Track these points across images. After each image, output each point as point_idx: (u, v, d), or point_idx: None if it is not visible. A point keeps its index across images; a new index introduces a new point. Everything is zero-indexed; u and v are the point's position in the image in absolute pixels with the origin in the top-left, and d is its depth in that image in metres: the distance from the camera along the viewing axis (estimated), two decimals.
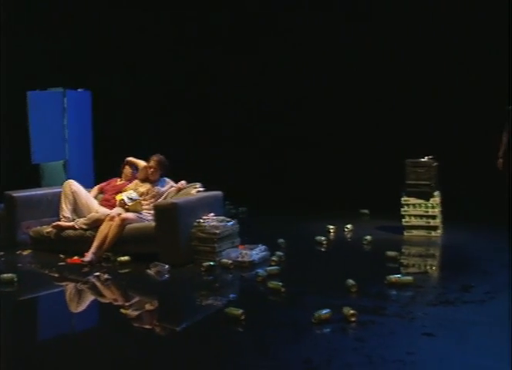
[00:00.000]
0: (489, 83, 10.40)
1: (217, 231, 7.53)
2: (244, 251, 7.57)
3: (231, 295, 6.69)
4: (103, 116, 11.80)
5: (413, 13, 11.16)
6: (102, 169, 10.48)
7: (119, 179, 8.82)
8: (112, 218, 7.83)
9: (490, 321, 5.33)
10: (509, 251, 7.89)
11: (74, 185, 8.48)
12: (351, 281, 6.27)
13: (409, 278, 6.52)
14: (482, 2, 10.57)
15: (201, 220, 7.64)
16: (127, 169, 8.76)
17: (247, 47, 12.57)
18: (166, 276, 7.11)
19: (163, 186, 8.41)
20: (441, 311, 5.63)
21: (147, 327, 5.71)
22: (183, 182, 8.45)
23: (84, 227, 8.06)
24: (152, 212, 7.86)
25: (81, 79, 11.79)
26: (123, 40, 12.73)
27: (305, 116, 12.28)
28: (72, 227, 8.12)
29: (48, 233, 8.23)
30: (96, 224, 7.98)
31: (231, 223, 7.88)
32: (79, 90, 11.49)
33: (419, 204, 9.03)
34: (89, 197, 8.52)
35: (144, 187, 8.39)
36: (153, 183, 8.42)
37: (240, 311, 5.41)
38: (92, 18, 12.64)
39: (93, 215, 8.13)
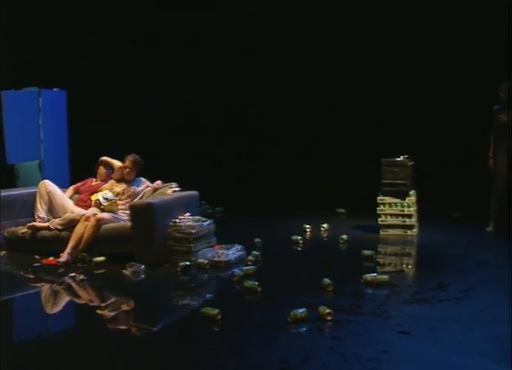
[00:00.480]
0: (468, 83, 10.44)
1: (193, 231, 7.51)
2: (221, 251, 7.57)
3: (207, 295, 6.68)
4: (79, 116, 11.73)
5: (394, 14, 11.20)
6: (78, 170, 10.42)
7: (94, 180, 8.77)
8: (87, 218, 7.79)
9: (465, 319, 5.36)
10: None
11: (49, 185, 8.42)
12: (327, 280, 6.29)
13: (385, 277, 6.55)
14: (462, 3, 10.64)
15: (177, 220, 7.63)
16: (101, 170, 8.69)
17: (219, 43, 12.55)
18: (142, 276, 7.10)
19: (138, 186, 8.38)
20: (416, 310, 5.66)
21: (123, 327, 5.71)
22: (158, 182, 8.43)
23: (59, 227, 8.00)
24: (128, 212, 7.84)
25: (56, 79, 11.71)
26: (98, 39, 12.66)
27: (282, 116, 12.27)
28: (48, 228, 8.06)
29: (23, 233, 8.16)
30: (71, 224, 7.94)
31: (207, 222, 7.87)
32: (54, 90, 11.40)
33: (395, 203, 9.07)
34: (64, 197, 8.46)
35: (120, 187, 8.35)
36: (129, 182, 8.39)
37: (216, 311, 5.41)
38: (66, 16, 12.57)
39: (68, 215, 8.08)
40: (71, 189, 8.81)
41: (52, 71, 12.14)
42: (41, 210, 8.25)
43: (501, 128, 8.64)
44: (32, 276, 7.30)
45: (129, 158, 8.39)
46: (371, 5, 11.32)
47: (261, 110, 12.46)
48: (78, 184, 8.85)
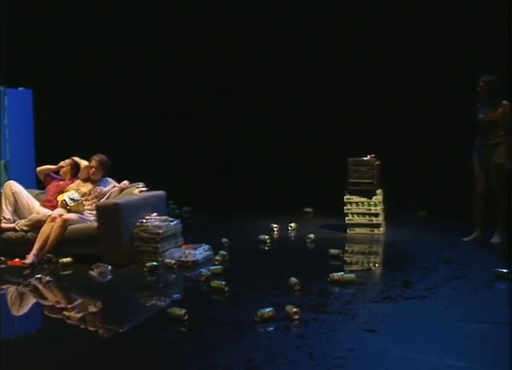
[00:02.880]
0: (436, 81, 10.55)
1: (160, 231, 7.51)
2: (188, 251, 7.57)
3: (174, 295, 6.65)
4: (45, 115, 11.65)
5: (357, 14, 11.26)
6: None
7: (60, 181, 8.70)
8: (53, 219, 7.74)
9: (430, 317, 5.41)
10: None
11: (14, 186, 8.33)
12: (294, 279, 6.31)
13: (352, 276, 6.58)
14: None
15: (144, 220, 7.61)
16: (65, 169, 8.63)
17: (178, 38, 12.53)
18: (109, 277, 7.08)
19: (105, 186, 8.35)
20: (383, 308, 5.69)
21: (90, 329, 5.66)
22: (125, 182, 8.41)
23: (25, 228, 7.93)
24: (94, 212, 7.80)
25: (22, 77, 11.61)
26: (64, 37, 12.57)
27: (249, 115, 12.27)
28: (13, 229, 7.97)
29: None
30: (37, 225, 7.87)
31: (174, 222, 7.87)
32: (20, 89, 11.31)
33: (362, 202, 9.13)
34: (30, 198, 8.38)
35: (86, 187, 8.32)
36: (95, 183, 8.36)
37: (183, 311, 5.41)
38: (29, 13, 12.46)
39: (34, 216, 8.01)
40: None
41: (18, 70, 12.02)
42: (6, 211, 8.15)
43: (478, 126, 8.22)
44: None
45: (96, 158, 8.36)
46: (335, 6, 11.38)
47: (229, 110, 12.44)
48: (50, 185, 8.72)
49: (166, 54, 12.61)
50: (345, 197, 9.19)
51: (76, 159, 8.64)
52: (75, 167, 8.61)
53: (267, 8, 11.84)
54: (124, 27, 12.64)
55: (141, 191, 8.23)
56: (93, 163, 8.36)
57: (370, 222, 9.14)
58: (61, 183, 8.61)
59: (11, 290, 6.88)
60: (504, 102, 8.05)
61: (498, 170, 8.07)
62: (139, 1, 12.61)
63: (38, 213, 8.05)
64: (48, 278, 7.07)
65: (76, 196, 8.12)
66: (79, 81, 12.63)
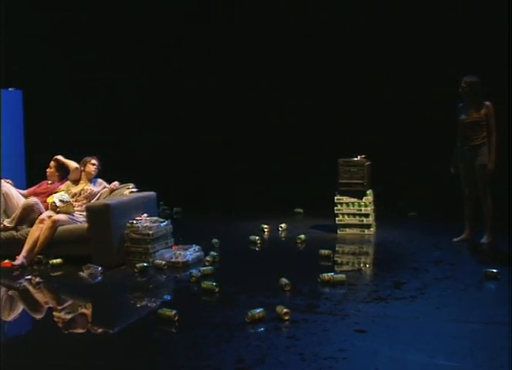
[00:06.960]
0: (425, 82, 10.56)
1: (150, 232, 7.50)
2: (178, 252, 7.57)
3: (165, 296, 6.68)
4: (35, 116, 11.61)
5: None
6: (34, 171, 10.29)
7: (50, 182, 8.66)
8: (42, 221, 7.71)
9: (420, 317, 5.42)
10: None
11: (4, 186, 8.29)
12: (284, 280, 6.31)
13: (342, 276, 6.58)
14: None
15: (134, 221, 7.60)
16: (52, 171, 8.60)
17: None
18: (99, 278, 7.07)
19: (95, 187, 8.34)
20: (373, 308, 5.70)
21: (80, 330, 5.66)
22: (115, 183, 8.40)
23: (8, 225, 7.89)
24: (84, 213, 7.78)
25: (12, 78, 11.57)
26: (56, 37, 12.53)
27: (241, 115, 12.26)
28: (4, 229, 7.93)
29: None
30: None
31: (165, 223, 7.86)
32: (10, 89, 11.27)
33: (352, 203, 9.13)
34: (20, 198, 8.32)
35: (76, 188, 8.30)
36: (88, 182, 8.36)
37: (173, 312, 5.41)
38: (20, 14, 12.43)
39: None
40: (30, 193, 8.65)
41: (8, 70, 11.99)
42: None
43: (460, 127, 8.23)
44: None
45: (94, 157, 8.44)
46: (335, 7, 11.40)
47: (220, 109, 12.43)
48: (33, 187, 8.70)
49: (158, 53, 12.60)
50: (336, 198, 9.20)
51: (61, 159, 8.59)
52: (61, 168, 8.57)
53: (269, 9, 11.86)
54: (115, 25, 12.61)
55: (131, 192, 8.23)
56: (93, 161, 8.43)
57: (360, 222, 9.15)
58: (50, 185, 8.58)
59: (0, 292, 6.83)
60: (487, 102, 8.07)
61: (483, 171, 8.07)
62: None
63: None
64: (38, 279, 7.06)
65: (66, 197, 8.08)
66: (69, 81, 12.61)
